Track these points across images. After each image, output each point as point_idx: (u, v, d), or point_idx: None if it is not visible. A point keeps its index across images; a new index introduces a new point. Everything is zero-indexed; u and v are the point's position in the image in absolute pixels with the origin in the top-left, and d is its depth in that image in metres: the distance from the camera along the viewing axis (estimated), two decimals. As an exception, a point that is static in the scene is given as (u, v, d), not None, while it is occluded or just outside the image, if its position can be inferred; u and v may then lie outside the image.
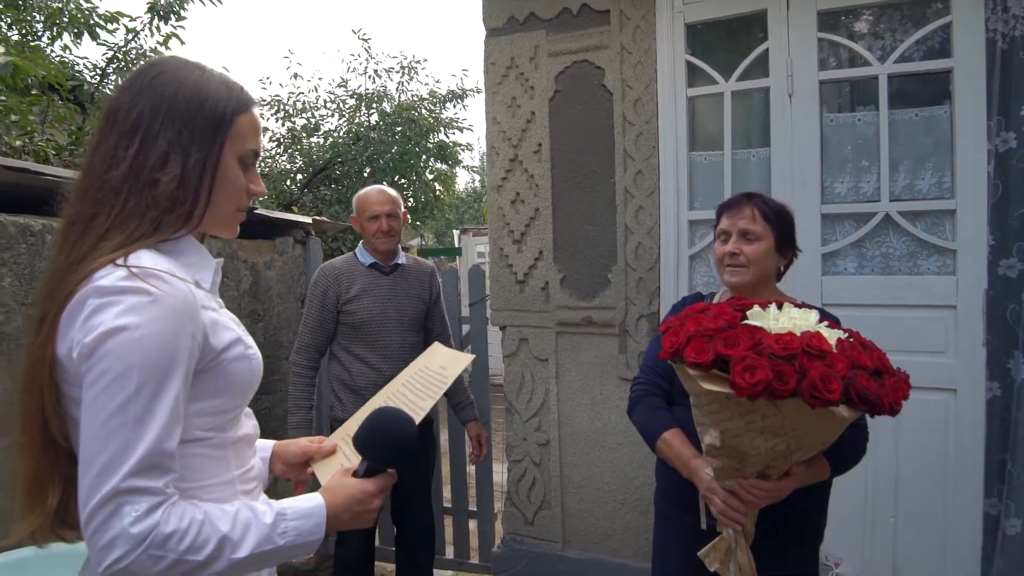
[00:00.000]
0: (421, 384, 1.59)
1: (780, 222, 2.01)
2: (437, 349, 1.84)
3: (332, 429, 3.11)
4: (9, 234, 2.37)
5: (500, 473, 3.90)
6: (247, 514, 1.07)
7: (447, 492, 4.17)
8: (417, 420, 1.32)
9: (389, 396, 1.59)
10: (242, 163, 1.19)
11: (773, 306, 1.58)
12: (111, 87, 6.52)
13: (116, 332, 0.98)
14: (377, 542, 3.63)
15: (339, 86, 10.72)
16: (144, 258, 1.06)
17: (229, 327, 1.17)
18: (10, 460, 1.12)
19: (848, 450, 1.84)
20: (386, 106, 10.32)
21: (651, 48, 3.06)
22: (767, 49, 2.89)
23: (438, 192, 10.97)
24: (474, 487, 4.00)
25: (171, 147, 1.10)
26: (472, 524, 4.07)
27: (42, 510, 1.08)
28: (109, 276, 1.02)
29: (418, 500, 3.18)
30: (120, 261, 1.03)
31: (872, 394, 1.37)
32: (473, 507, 4.05)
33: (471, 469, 3.96)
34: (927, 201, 2.71)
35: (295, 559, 1.15)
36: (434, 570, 3.34)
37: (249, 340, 1.21)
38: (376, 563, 3.38)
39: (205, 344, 1.09)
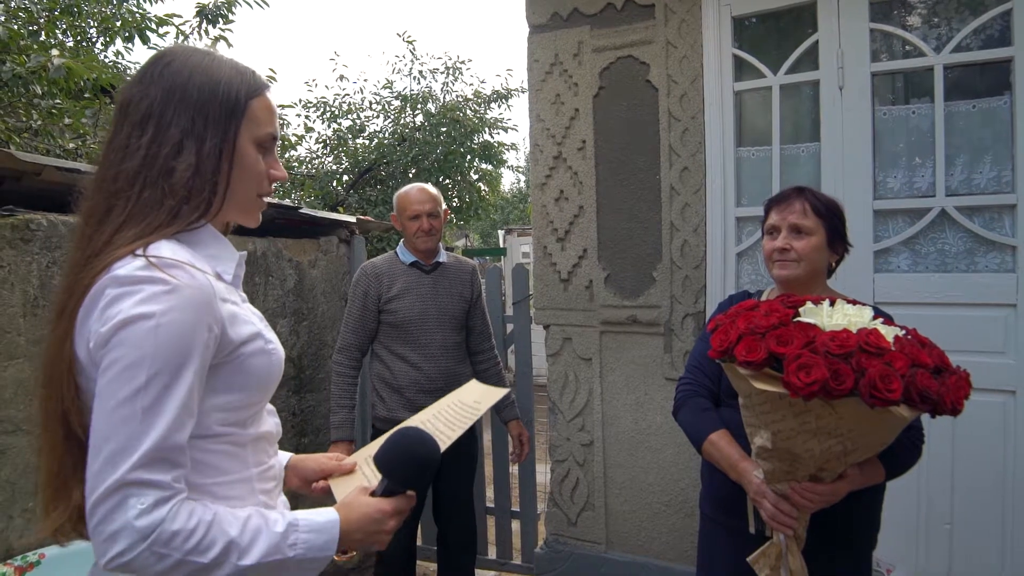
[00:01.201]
0: (452, 416, 1.55)
1: (831, 217, 1.95)
2: (472, 385, 1.79)
3: (374, 428, 3.12)
4: (60, 234, 2.42)
5: (543, 473, 3.88)
6: (258, 521, 1.05)
7: (490, 492, 4.16)
8: (443, 447, 1.29)
9: (419, 424, 1.56)
10: (260, 148, 1.18)
11: (826, 302, 1.53)
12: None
13: (133, 321, 0.97)
14: (419, 541, 3.63)
15: (384, 87, 10.80)
16: (163, 248, 1.04)
17: (250, 321, 1.15)
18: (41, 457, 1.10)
19: (903, 453, 1.77)
20: (431, 107, 10.36)
21: (697, 42, 3.01)
22: (816, 41, 2.82)
23: (483, 192, 10.99)
24: (517, 487, 3.99)
25: (185, 135, 1.09)
26: (515, 524, 4.05)
27: (66, 508, 1.06)
28: (127, 266, 1.01)
29: (460, 500, 3.17)
30: (139, 251, 1.02)
31: (934, 393, 1.32)
32: (516, 507, 4.03)
33: (514, 469, 3.95)
34: (985, 196, 2.62)
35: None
36: (476, 570, 3.33)
37: (270, 335, 1.19)
38: (418, 562, 3.39)
39: (223, 337, 1.07)
